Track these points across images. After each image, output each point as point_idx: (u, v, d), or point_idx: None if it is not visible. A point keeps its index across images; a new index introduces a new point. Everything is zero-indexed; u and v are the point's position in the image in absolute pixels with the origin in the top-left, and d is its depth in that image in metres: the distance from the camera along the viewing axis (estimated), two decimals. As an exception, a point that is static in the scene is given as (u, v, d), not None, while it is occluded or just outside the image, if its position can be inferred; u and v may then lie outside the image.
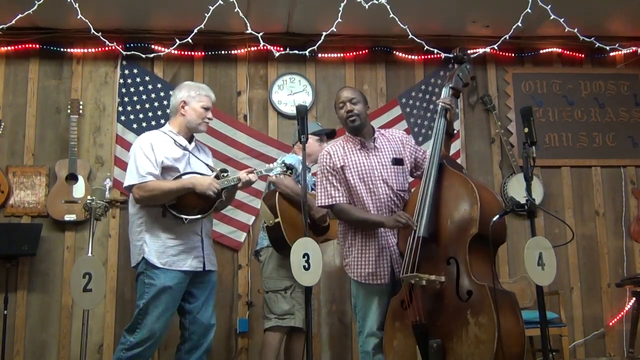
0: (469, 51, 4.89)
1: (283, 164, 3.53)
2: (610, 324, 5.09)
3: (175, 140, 3.50)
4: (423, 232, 3.07)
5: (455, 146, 5.14)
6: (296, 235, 3.69)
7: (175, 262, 3.35)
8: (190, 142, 3.57)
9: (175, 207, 3.34)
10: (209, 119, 3.58)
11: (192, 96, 3.54)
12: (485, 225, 2.93)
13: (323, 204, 3.38)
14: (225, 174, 3.44)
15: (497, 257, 5.05)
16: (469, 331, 2.83)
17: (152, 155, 3.37)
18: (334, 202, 3.34)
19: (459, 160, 5.13)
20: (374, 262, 3.28)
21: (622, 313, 5.08)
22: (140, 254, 3.36)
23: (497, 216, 3.16)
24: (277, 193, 3.83)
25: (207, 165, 3.56)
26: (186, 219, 3.34)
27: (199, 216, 3.38)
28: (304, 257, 2.90)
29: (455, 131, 3.40)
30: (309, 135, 3.92)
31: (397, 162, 3.35)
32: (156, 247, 3.35)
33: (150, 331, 3.29)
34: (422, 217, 3.09)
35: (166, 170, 3.40)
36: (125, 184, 3.42)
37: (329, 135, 4.24)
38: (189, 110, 3.52)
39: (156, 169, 3.35)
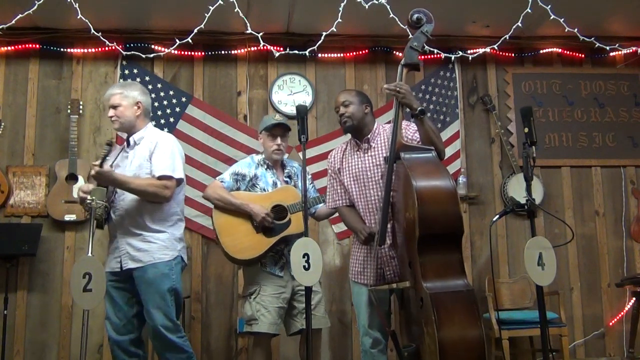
0: (469, 51, 4.97)
1: (107, 145, 3.41)
2: (610, 324, 5.09)
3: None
4: (380, 241, 3.07)
5: (455, 146, 5.14)
6: (237, 243, 3.70)
7: (107, 263, 3.53)
8: (128, 143, 3.60)
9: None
10: (111, 117, 3.58)
11: None
12: (427, 225, 2.73)
13: (329, 207, 3.55)
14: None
15: (496, 257, 5.06)
16: (426, 339, 2.72)
17: None
18: (336, 206, 3.48)
19: (458, 161, 5.13)
20: (362, 262, 3.36)
21: (622, 313, 5.08)
22: None
23: (497, 216, 3.16)
24: (213, 207, 3.79)
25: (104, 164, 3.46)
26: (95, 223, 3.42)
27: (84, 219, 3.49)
28: (304, 257, 2.89)
29: (419, 109, 3.07)
30: (263, 131, 3.88)
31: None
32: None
33: (107, 332, 3.49)
34: (382, 225, 3.06)
35: None
36: None
37: (285, 128, 3.90)
38: None
39: None
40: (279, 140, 3.83)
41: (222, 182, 3.81)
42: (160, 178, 3.43)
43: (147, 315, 3.41)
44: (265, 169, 3.86)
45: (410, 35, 3.23)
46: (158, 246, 3.46)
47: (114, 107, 3.55)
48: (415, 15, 3.17)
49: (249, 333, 3.77)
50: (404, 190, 2.94)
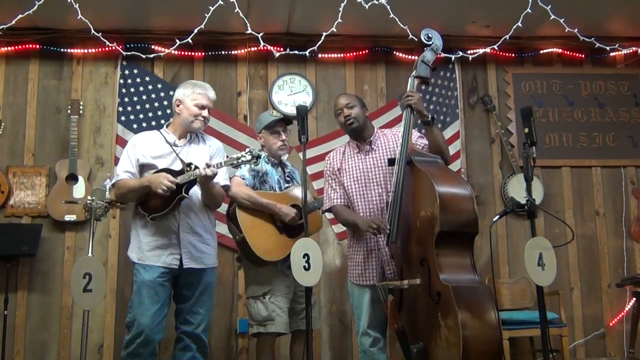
0: (469, 51, 4.96)
1: (248, 153, 3.34)
2: (611, 324, 5.09)
3: (165, 139, 3.52)
4: (393, 237, 3.07)
5: (456, 146, 5.14)
6: (264, 244, 3.61)
7: (148, 257, 3.38)
8: (185, 139, 3.55)
9: (144, 204, 3.40)
10: (204, 117, 3.52)
11: (187, 94, 3.53)
12: (448, 222, 2.85)
13: (325, 208, 3.55)
14: (189, 169, 3.34)
15: (496, 257, 5.07)
16: (442, 334, 2.75)
17: (132, 154, 3.48)
18: (331, 205, 3.48)
19: (459, 161, 5.14)
20: (362, 263, 3.37)
21: (622, 313, 5.08)
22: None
23: (497, 216, 3.18)
24: (237, 206, 3.67)
25: (183, 161, 3.41)
26: (149, 216, 3.36)
27: (158, 214, 3.34)
28: (304, 257, 2.89)
29: (430, 117, 3.27)
30: (263, 130, 3.84)
31: (394, 162, 3.26)
32: (135, 243, 3.45)
33: (137, 327, 3.29)
34: (393, 222, 3.07)
35: (146, 168, 3.46)
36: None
37: (285, 122, 3.89)
38: (183, 109, 3.52)
39: (133, 168, 3.46)
40: (283, 136, 3.80)
41: (243, 179, 3.70)
42: (223, 187, 3.56)
43: (192, 318, 3.42)
44: (271, 166, 3.83)
45: (424, 47, 3.41)
46: (213, 251, 3.56)
47: (209, 109, 3.56)
48: (426, 34, 3.40)
49: (260, 334, 3.67)
50: (415, 191, 3.04)
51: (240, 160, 3.35)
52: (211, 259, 3.54)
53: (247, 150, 3.38)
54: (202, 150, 3.59)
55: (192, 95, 3.52)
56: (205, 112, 3.53)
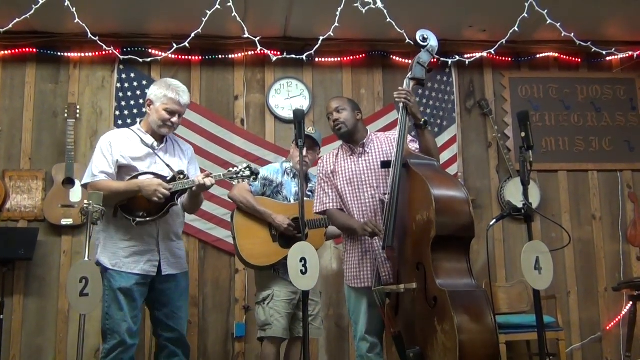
0: (465, 55, 4.97)
1: (247, 169, 3.38)
2: (608, 328, 5.09)
3: (141, 139, 3.40)
4: (388, 241, 3.06)
5: (452, 150, 5.15)
6: (252, 248, 3.73)
7: (125, 264, 3.26)
8: (161, 141, 3.44)
9: (126, 207, 3.26)
10: (173, 122, 3.39)
11: (158, 97, 3.38)
12: (444, 226, 2.82)
13: (317, 211, 3.52)
14: (182, 177, 3.30)
15: (493, 261, 5.07)
16: (438, 339, 2.74)
17: (109, 154, 3.31)
18: (325, 209, 3.46)
19: (456, 165, 5.15)
20: (357, 265, 3.35)
21: (619, 317, 5.08)
22: (96, 254, 3.31)
23: (494, 220, 3.18)
24: (236, 209, 3.82)
25: (169, 166, 3.37)
26: (134, 220, 3.24)
27: (148, 219, 3.27)
28: (301, 261, 2.89)
29: (423, 120, 3.22)
30: (294, 142, 3.89)
31: (386, 164, 3.25)
32: (109, 247, 3.30)
33: (119, 335, 3.22)
34: (389, 226, 3.06)
35: (124, 169, 3.32)
36: (82, 182, 3.39)
37: (310, 141, 3.98)
38: (152, 111, 3.39)
39: (111, 168, 3.29)
40: (304, 152, 3.85)
41: (250, 184, 3.81)
42: None
43: (174, 322, 3.38)
44: (292, 178, 3.94)
45: (420, 48, 3.37)
46: (184, 255, 3.54)
47: (180, 114, 3.45)
48: (421, 35, 3.36)
49: (262, 338, 3.80)
50: (411, 194, 3.03)
51: (239, 175, 3.37)
52: (184, 263, 3.52)
53: (247, 165, 3.40)
54: (178, 154, 3.52)
55: (164, 99, 3.37)
56: (175, 118, 3.38)
